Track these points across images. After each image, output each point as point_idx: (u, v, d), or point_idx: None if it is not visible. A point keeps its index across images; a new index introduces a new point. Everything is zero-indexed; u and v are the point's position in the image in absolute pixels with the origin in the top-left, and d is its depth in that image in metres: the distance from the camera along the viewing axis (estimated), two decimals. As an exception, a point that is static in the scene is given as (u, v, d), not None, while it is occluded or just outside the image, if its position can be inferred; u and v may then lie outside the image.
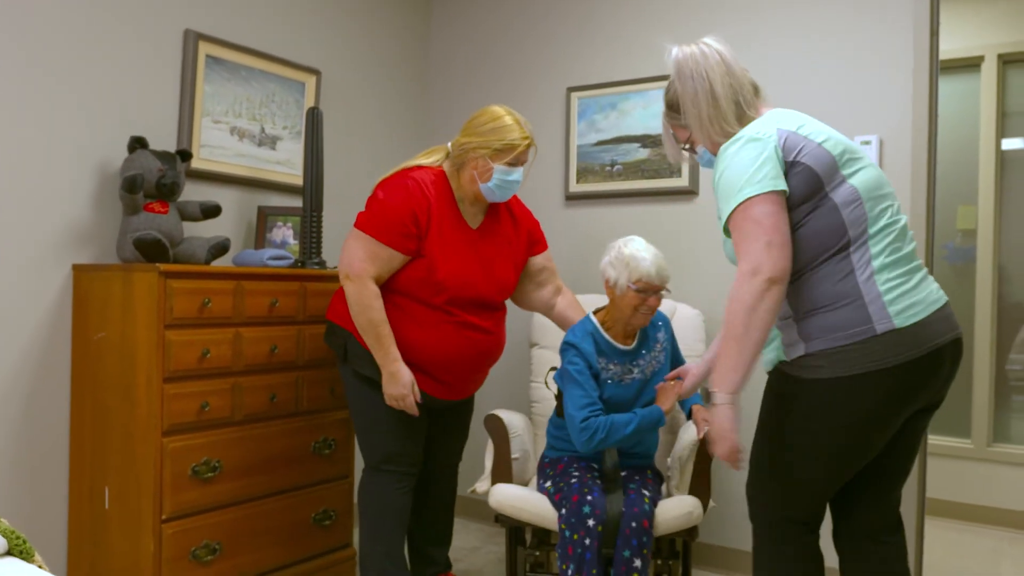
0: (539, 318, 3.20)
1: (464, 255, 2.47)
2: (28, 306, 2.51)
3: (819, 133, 1.84)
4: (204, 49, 2.94)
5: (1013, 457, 3.90)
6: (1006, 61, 4.05)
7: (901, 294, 1.76)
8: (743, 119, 1.92)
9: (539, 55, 3.72)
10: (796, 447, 1.86)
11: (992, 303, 4.01)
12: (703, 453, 2.49)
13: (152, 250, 2.49)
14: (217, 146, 3.01)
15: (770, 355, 1.94)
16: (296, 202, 3.37)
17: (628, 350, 2.55)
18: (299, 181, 3.32)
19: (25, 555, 1.56)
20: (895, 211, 1.85)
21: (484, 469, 2.71)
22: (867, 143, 2.89)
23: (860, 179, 1.82)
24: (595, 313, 2.59)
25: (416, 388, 2.45)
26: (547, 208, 3.66)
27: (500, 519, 2.54)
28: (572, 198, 3.58)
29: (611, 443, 2.38)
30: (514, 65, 3.79)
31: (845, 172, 1.81)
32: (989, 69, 4.05)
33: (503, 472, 2.66)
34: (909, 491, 2.80)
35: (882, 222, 1.80)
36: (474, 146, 2.42)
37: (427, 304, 2.44)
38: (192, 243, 2.64)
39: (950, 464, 4.03)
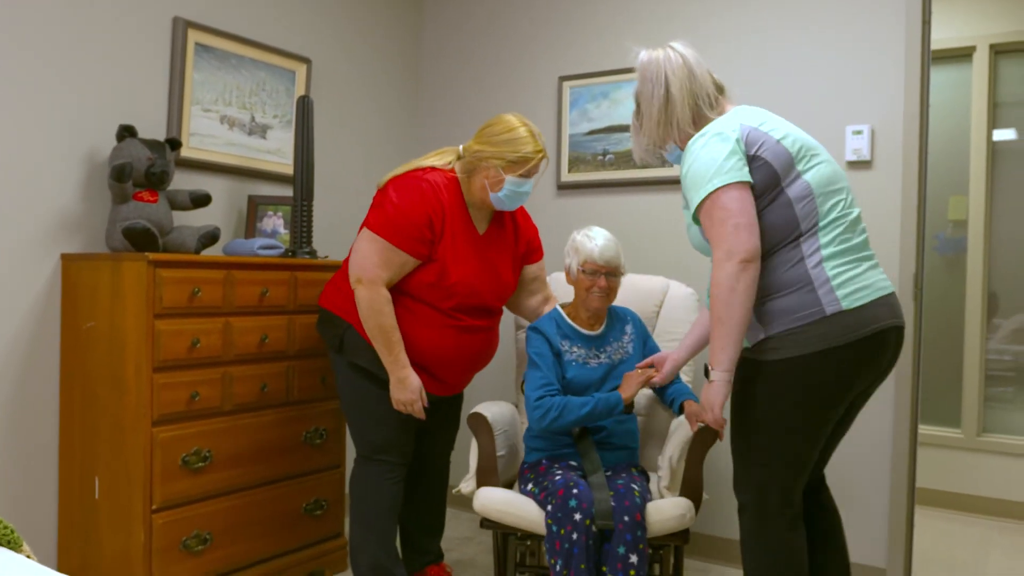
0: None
1: (473, 261, 2.49)
2: (16, 295, 2.49)
3: (778, 130, 1.95)
4: (193, 37, 2.92)
5: (1002, 447, 3.93)
6: (998, 51, 4.05)
7: (848, 279, 1.88)
8: (701, 120, 2.04)
9: (531, 44, 3.70)
10: (765, 426, 1.96)
11: (982, 294, 4.02)
12: (695, 452, 2.46)
13: (141, 239, 2.48)
14: (207, 135, 2.99)
15: None
16: (287, 191, 3.35)
17: (594, 335, 2.60)
18: (289, 170, 3.31)
19: (13, 545, 1.55)
20: (847, 204, 1.96)
21: (469, 468, 2.68)
22: (859, 133, 2.89)
23: (813, 175, 1.93)
24: (562, 305, 2.69)
25: (424, 393, 2.47)
26: (539, 197, 3.65)
27: (486, 523, 2.51)
28: (564, 187, 3.57)
29: (565, 423, 2.42)
30: (506, 53, 3.78)
31: (800, 168, 1.92)
32: (981, 59, 4.05)
33: (488, 472, 2.61)
34: (899, 480, 2.81)
35: (833, 215, 1.92)
36: (487, 155, 2.40)
37: (434, 307, 2.46)
38: (182, 232, 2.62)
39: (940, 454, 4.05)
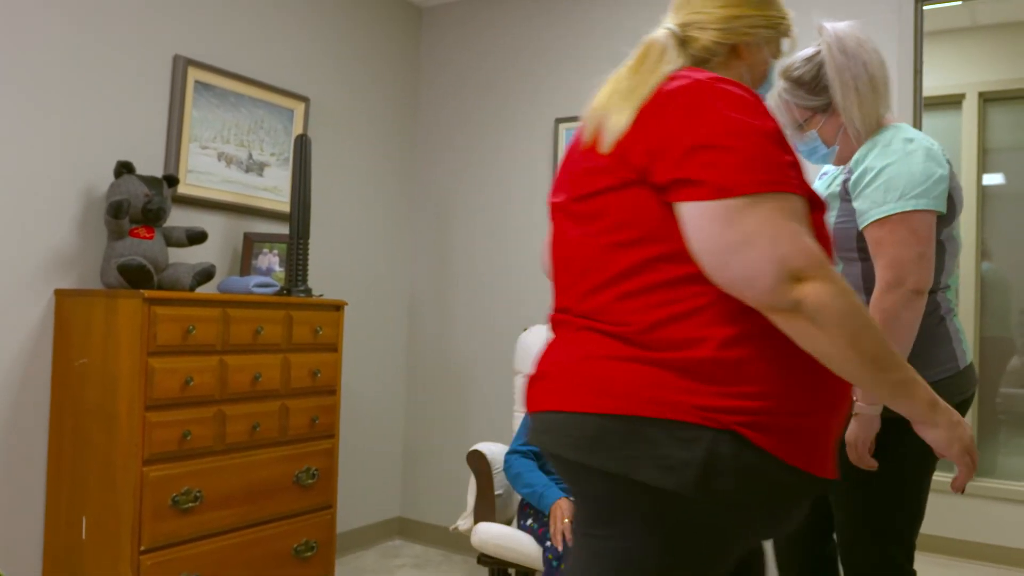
0: (523, 343, 3.17)
1: None
2: (9, 330, 2.47)
3: (952, 176, 1.81)
4: (193, 75, 2.94)
5: (999, 492, 3.91)
6: (986, 99, 4.12)
7: (963, 338, 1.86)
8: (882, 119, 1.84)
9: (527, 85, 3.74)
10: (911, 495, 1.83)
11: (975, 337, 4.04)
12: None
13: (136, 276, 2.47)
14: (204, 172, 3.00)
15: None
16: (283, 229, 3.35)
17: None
18: (286, 208, 3.31)
19: (0, 588, 1.51)
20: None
21: (467, 506, 2.67)
22: (853, 178, 2.91)
23: (958, 232, 1.86)
24: None
25: None
26: (534, 238, 3.66)
27: (483, 559, 2.50)
28: (559, 228, 3.58)
29: (514, 487, 2.59)
30: (502, 95, 3.81)
31: (956, 222, 1.84)
32: (970, 107, 4.12)
33: (485, 510, 2.61)
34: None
35: (954, 274, 1.88)
36: (755, 24, 1.36)
37: None
38: (177, 269, 2.61)
39: (937, 499, 4.03)
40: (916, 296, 1.67)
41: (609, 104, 1.25)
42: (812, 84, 1.86)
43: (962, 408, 1.82)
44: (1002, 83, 4.05)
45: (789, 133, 1.93)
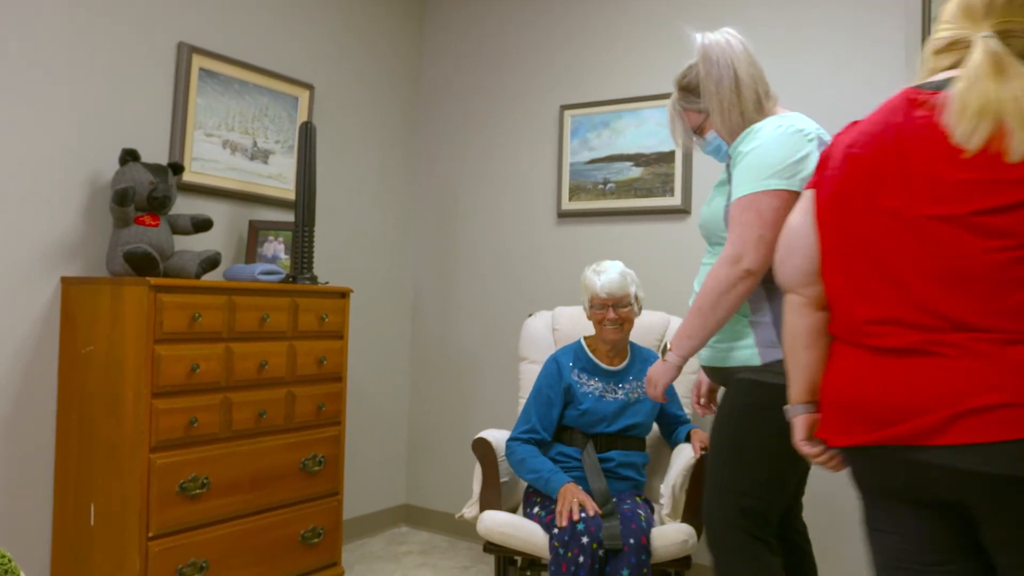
0: (528, 331, 3.17)
1: None
2: (15, 318, 2.47)
3: None
4: (197, 62, 2.93)
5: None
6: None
7: None
8: (762, 111, 1.93)
9: (532, 72, 3.73)
10: (773, 455, 1.82)
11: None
12: (697, 480, 2.46)
13: (142, 263, 2.47)
14: (209, 159, 2.99)
15: (740, 352, 1.89)
16: (288, 217, 3.35)
17: (612, 370, 2.65)
18: (291, 195, 3.31)
19: (10, 574, 1.52)
20: None
21: (472, 493, 2.67)
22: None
23: None
24: (585, 338, 2.75)
25: None
26: (539, 225, 3.65)
27: (489, 547, 2.50)
28: (564, 216, 3.58)
29: (517, 473, 2.60)
30: (507, 81, 3.80)
31: None
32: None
33: (491, 497, 2.62)
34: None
35: None
36: None
37: None
38: (183, 257, 2.62)
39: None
40: (748, 276, 1.77)
41: (1010, 113, 1.21)
42: (696, 89, 2.02)
43: None
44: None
45: (685, 139, 2.12)
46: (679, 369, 1.95)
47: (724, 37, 1.94)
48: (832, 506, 2.86)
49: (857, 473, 1.40)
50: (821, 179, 1.45)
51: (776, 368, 1.79)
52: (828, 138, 1.82)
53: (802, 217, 1.49)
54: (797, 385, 1.53)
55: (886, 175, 1.31)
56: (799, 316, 1.51)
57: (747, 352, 1.87)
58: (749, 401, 1.86)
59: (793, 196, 1.73)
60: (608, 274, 2.58)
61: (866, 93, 2.92)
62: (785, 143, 1.78)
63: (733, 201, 1.83)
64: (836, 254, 1.39)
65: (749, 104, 1.92)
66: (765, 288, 1.86)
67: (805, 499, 3.01)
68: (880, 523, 1.40)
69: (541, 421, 2.59)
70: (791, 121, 1.82)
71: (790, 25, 3.08)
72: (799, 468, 1.93)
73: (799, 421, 1.55)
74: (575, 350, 2.69)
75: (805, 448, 1.56)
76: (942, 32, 1.34)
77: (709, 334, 1.86)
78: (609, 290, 2.55)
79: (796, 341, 1.52)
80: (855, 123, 1.44)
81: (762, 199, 1.76)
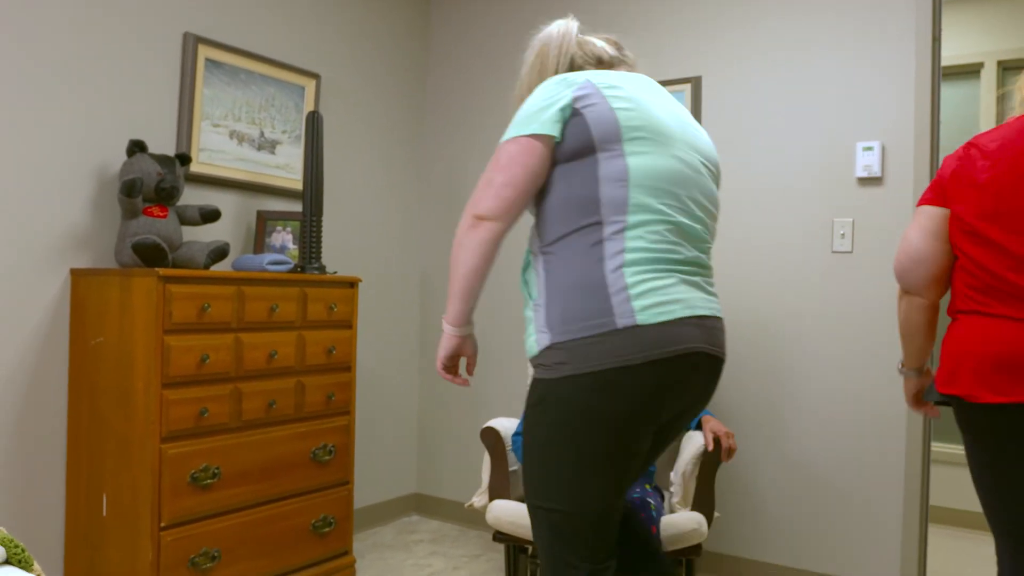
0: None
1: None
2: (25, 310, 2.48)
3: (626, 100, 1.63)
4: (203, 52, 2.92)
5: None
6: (1005, 67, 4.05)
7: (650, 290, 1.54)
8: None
9: (539, 60, 3.70)
10: (566, 463, 1.61)
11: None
12: (707, 467, 2.46)
13: (151, 254, 2.47)
14: (216, 150, 2.99)
15: (528, 341, 1.70)
16: (295, 207, 3.35)
17: None
18: (298, 185, 3.30)
19: (24, 564, 1.53)
20: (689, 213, 1.64)
21: (481, 483, 2.67)
22: (869, 149, 2.88)
23: (642, 161, 1.60)
24: None
25: None
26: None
27: (499, 537, 2.50)
28: (572, 203, 3.56)
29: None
30: (514, 70, 3.78)
31: (626, 148, 1.59)
32: (989, 75, 4.05)
33: (500, 486, 2.61)
34: (912, 499, 2.78)
35: (653, 216, 1.59)
36: None
37: None
38: (191, 247, 2.62)
39: (952, 471, 4.02)
40: (477, 221, 1.64)
41: None
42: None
43: (656, 373, 1.53)
44: (1021, 51, 3.98)
45: None
46: (457, 338, 1.73)
47: (556, 25, 1.86)
48: (809, 475, 2.85)
49: (989, 424, 1.70)
50: (958, 192, 1.75)
51: (546, 358, 1.61)
52: (600, 82, 1.65)
53: (922, 232, 1.80)
54: (911, 359, 1.98)
55: None
56: (921, 313, 1.90)
57: (530, 340, 1.67)
58: (530, 402, 1.68)
59: (530, 140, 1.61)
60: None
61: (876, 83, 2.89)
62: (543, 92, 1.66)
63: None
64: (1010, 233, 1.65)
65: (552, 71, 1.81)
66: (545, 268, 1.65)
67: (781, 470, 3.03)
68: (999, 457, 1.71)
69: None
70: (567, 75, 1.69)
71: (799, 15, 3.05)
72: (614, 472, 1.63)
73: (912, 383, 2.03)
74: None
75: (915, 404, 2.05)
76: None
77: (462, 293, 1.67)
78: None
79: (917, 331, 1.92)
80: (972, 144, 1.75)
81: (504, 146, 1.65)
